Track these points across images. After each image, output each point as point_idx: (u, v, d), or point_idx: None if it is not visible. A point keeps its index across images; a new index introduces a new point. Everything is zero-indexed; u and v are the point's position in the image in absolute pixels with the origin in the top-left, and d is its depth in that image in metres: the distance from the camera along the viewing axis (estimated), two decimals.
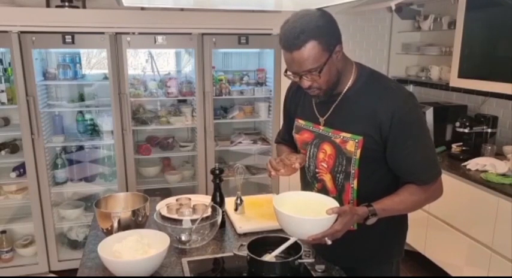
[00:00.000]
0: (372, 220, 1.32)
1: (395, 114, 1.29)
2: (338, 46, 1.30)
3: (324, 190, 1.49)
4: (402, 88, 1.37)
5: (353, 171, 1.39)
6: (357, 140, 1.34)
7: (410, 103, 1.33)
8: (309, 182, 1.54)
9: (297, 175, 1.73)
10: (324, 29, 1.26)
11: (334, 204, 1.35)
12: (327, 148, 1.42)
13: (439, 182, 1.39)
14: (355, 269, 1.52)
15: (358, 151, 1.35)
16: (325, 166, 1.44)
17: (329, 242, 1.28)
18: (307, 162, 1.51)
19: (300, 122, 1.53)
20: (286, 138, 1.69)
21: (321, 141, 1.44)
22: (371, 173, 1.39)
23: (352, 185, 1.41)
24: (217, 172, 1.79)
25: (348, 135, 1.36)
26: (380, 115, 1.30)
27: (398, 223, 1.51)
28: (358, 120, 1.35)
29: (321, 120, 1.44)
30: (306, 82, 1.33)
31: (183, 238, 1.58)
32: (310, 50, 1.25)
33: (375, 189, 1.40)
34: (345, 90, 1.38)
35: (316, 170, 1.48)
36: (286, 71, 1.35)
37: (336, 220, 1.28)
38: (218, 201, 1.77)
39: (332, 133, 1.41)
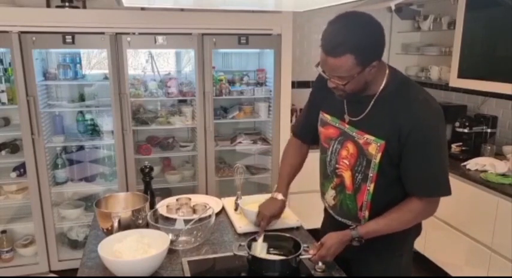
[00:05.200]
0: (356, 242, 1.40)
1: (415, 127, 1.30)
2: (375, 62, 1.29)
3: (341, 186, 1.52)
4: (431, 102, 1.36)
5: (371, 175, 1.41)
6: (379, 144, 1.36)
7: (432, 121, 1.32)
8: (329, 175, 1.56)
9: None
10: (365, 46, 1.26)
11: None
12: (350, 146, 1.45)
13: (435, 201, 1.40)
14: (350, 260, 1.57)
15: (379, 155, 1.37)
16: (347, 163, 1.47)
17: (319, 264, 1.43)
18: (328, 157, 1.54)
19: (326, 116, 1.55)
20: (299, 132, 1.74)
21: (345, 139, 1.46)
22: (389, 180, 1.41)
23: (368, 188, 1.43)
24: (147, 170, 1.84)
25: (372, 138, 1.38)
26: (401, 125, 1.32)
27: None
28: (382, 125, 1.36)
29: (347, 118, 1.46)
30: (331, 84, 1.36)
31: (171, 237, 1.58)
32: (344, 61, 1.25)
33: (390, 195, 1.42)
34: (376, 95, 1.38)
35: (337, 166, 1.51)
36: (318, 64, 1.35)
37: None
38: (149, 198, 1.81)
39: (356, 134, 1.43)
